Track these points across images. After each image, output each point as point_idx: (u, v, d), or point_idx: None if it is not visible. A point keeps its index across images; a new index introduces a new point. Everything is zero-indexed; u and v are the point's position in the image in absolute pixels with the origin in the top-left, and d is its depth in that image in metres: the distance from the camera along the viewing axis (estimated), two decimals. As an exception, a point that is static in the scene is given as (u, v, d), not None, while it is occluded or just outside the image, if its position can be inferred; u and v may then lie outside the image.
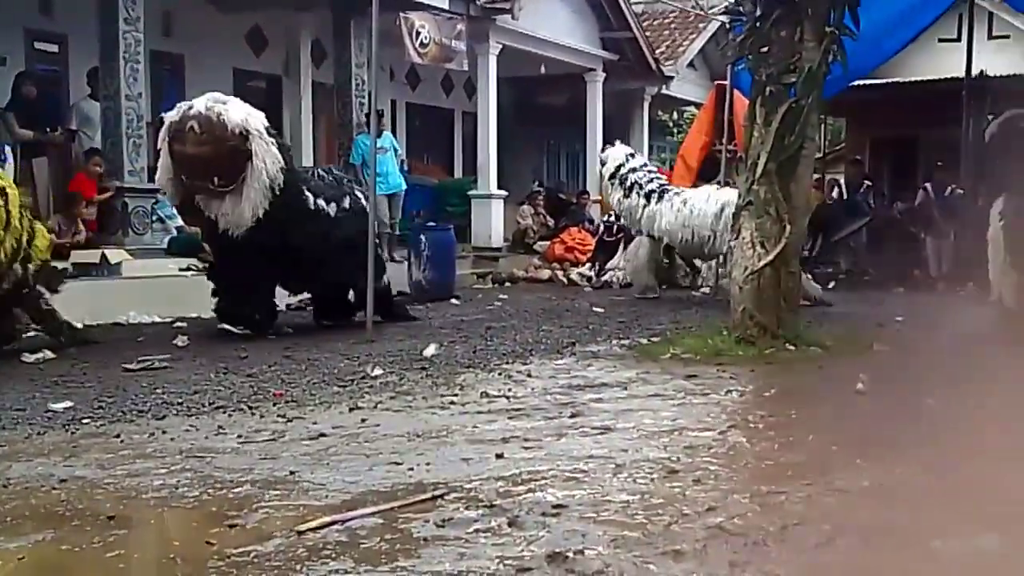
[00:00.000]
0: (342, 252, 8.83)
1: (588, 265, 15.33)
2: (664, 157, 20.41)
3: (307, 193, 8.78)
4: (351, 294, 9.48)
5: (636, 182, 12.18)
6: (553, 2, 17.06)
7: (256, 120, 8.35)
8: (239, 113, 8.23)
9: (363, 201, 9.29)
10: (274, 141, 8.44)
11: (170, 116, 8.30)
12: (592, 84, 18.73)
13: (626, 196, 12.21)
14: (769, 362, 7.50)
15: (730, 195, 10.54)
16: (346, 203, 9.16)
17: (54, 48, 12.56)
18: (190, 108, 8.21)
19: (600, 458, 4.63)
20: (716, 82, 16.21)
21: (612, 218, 15.24)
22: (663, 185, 12.37)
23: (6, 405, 5.75)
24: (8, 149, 10.64)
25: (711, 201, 11.61)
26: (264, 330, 8.70)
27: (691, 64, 21.25)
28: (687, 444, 4.91)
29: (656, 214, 11.95)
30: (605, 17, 18.27)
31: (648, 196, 12.07)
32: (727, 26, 16.64)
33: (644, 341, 8.64)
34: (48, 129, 11.39)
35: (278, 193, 8.33)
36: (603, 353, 8.04)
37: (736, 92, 12.25)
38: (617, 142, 13.11)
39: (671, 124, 19.96)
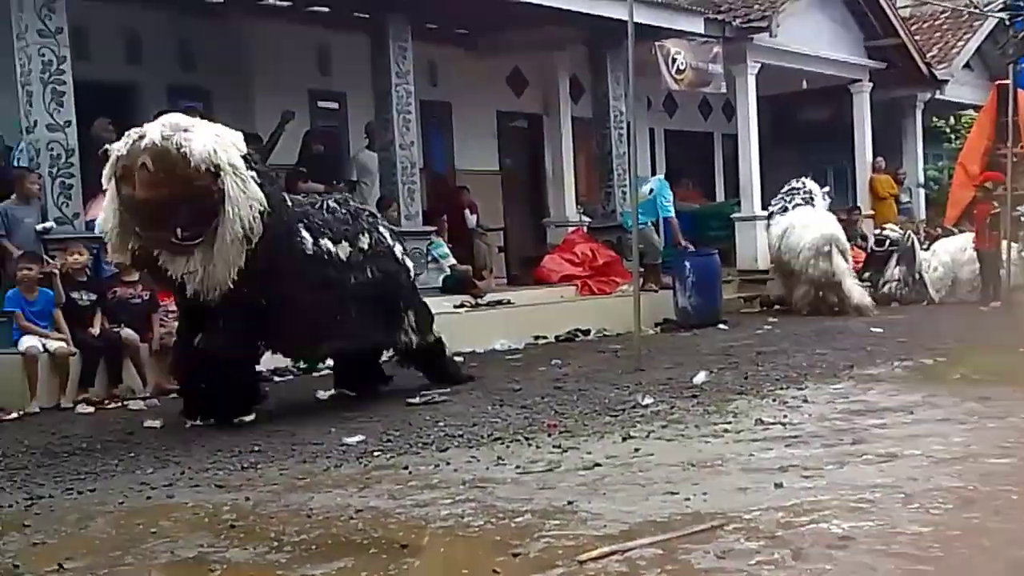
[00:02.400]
0: (358, 305, 7.24)
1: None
2: (941, 165, 19.23)
3: (304, 233, 6.98)
4: (381, 354, 7.95)
5: None
6: (813, 15, 16.56)
7: (226, 150, 6.45)
8: (205, 142, 6.35)
9: (388, 240, 7.66)
10: (252, 175, 6.55)
11: (117, 148, 6.43)
12: (858, 95, 17.97)
13: None
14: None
15: None
16: (363, 242, 7.39)
17: (335, 105, 13.51)
18: (141, 138, 6.32)
19: (886, 487, 4.41)
20: (996, 82, 15.16)
21: (886, 231, 14.60)
22: None
23: (305, 440, 6.20)
24: None
25: None
26: (241, 415, 6.81)
27: (967, 65, 19.94)
28: (983, 471, 4.60)
29: None
30: (869, 25, 17.51)
31: None
32: (1006, 23, 15.54)
33: (928, 361, 8.18)
34: (334, 182, 12.25)
35: (261, 239, 6.51)
36: (884, 376, 7.67)
37: (1020, 91, 11.40)
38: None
39: (948, 130, 18.80)
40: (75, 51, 8.80)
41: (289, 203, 7.05)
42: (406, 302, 7.79)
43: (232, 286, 6.49)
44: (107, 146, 6.65)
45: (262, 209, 6.50)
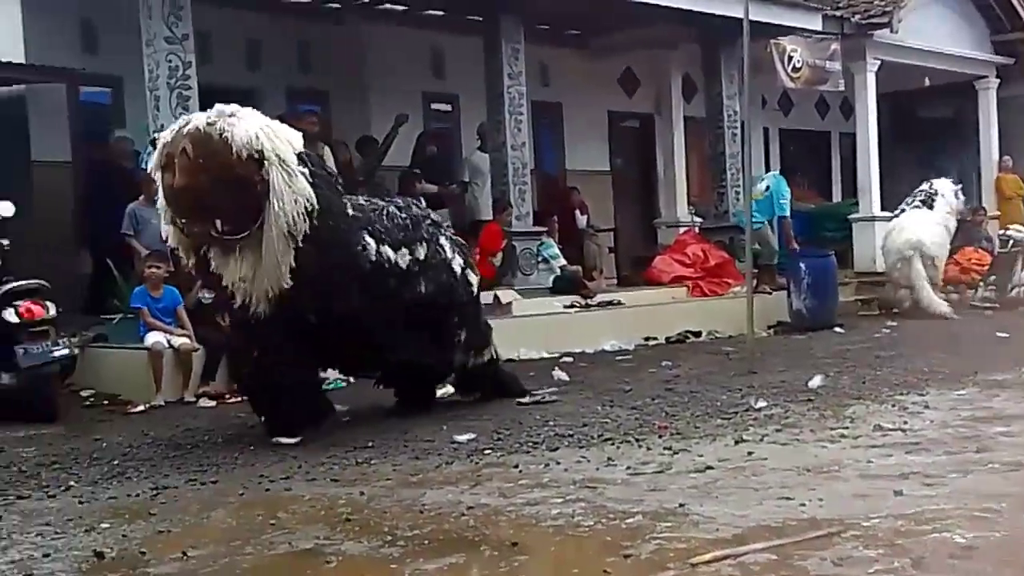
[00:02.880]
0: (414, 319, 6.75)
1: (982, 286, 14.20)
2: (1074, 164, 18.43)
3: (367, 239, 6.44)
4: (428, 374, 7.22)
5: None
6: (935, 10, 16.03)
7: (273, 140, 5.97)
8: (249, 128, 5.91)
9: (447, 251, 7.04)
10: (304, 171, 6.04)
11: (163, 136, 6.23)
12: (984, 92, 17.34)
13: None
14: None
15: None
16: (421, 252, 6.80)
17: (447, 107, 13.67)
18: (186, 124, 6.07)
19: (1013, 497, 4.26)
20: None
21: (1011, 231, 14.07)
22: None
23: (417, 437, 6.28)
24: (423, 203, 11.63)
25: None
26: (281, 435, 6.32)
27: (1101, 60, 19.04)
28: (1120, 484, 4.39)
29: None
30: (995, 19, 16.87)
31: None
32: None
33: (1059, 368, 7.84)
34: (447, 183, 12.40)
35: (314, 242, 6.01)
36: (1010, 382, 7.38)
37: None
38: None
39: (1079, 128, 18.05)
40: (199, 56, 9.09)
41: (351, 209, 6.49)
42: (461, 319, 7.12)
43: (281, 294, 5.99)
44: (155, 135, 6.57)
45: (310, 207, 5.95)
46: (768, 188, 13.04)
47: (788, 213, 13.22)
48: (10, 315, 7.45)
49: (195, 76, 8.88)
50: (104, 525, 4.53)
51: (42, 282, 7.74)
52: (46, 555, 4.11)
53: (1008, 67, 17.25)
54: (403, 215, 6.85)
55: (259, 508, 4.72)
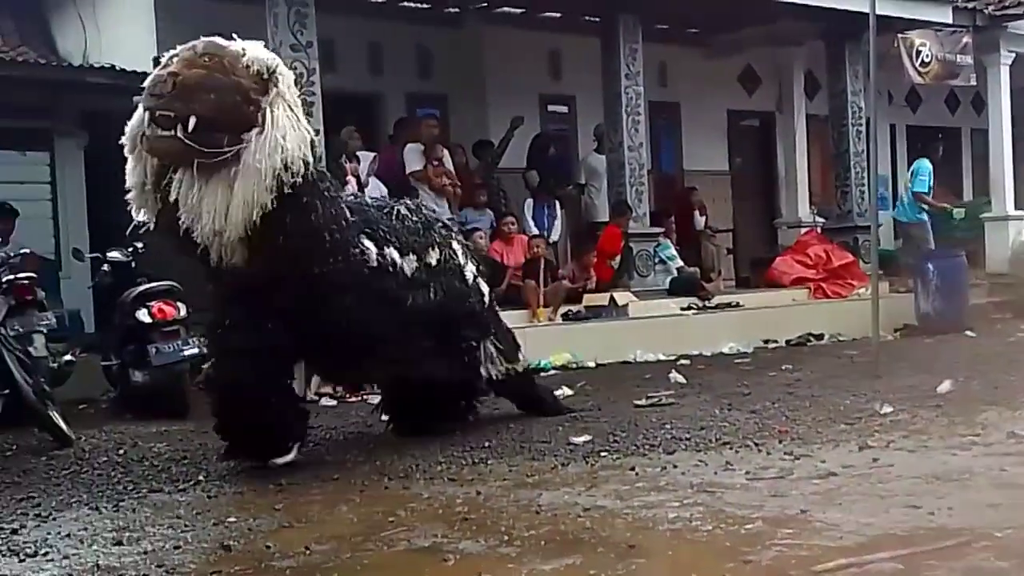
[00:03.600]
0: (418, 330, 6.10)
1: None
2: None
3: (366, 243, 5.81)
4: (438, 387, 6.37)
5: None
6: (1075, -2, 15.32)
7: (289, 78, 5.40)
8: (264, 52, 5.37)
9: (460, 258, 6.48)
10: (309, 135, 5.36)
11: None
12: None
13: None
14: None
15: None
16: (431, 257, 6.23)
17: (564, 109, 13.68)
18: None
19: None
20: None
21: None
22: None
23: (533, 438, 6.30)
24: (559, 206, 11.68)
25: None
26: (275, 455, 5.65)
27: None
28: None
29: None
30: None
31: None
32: None
33: None
34: (566, 185, 12.42)
35: (303, 200, 5.24)
36: None
37: None
38: None
39: None
40: (323, 63, 9.31)
41: (349, 210, 5.79)
42: (480, 330, 6.61)
43: (253, 246, 5.14)
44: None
45: (305, 161, 5.18)
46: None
47: (924, 189, 12.80)
48: (143, 315, 7.78)
49: (319, 83, 9.11)
50: (231, 519, 4.67)
51: (173, 284, 8.04)
52: (176, 547, 4.26)
53: None
54: (414, 218, 6.30)
55: (379, 505, 4.80)
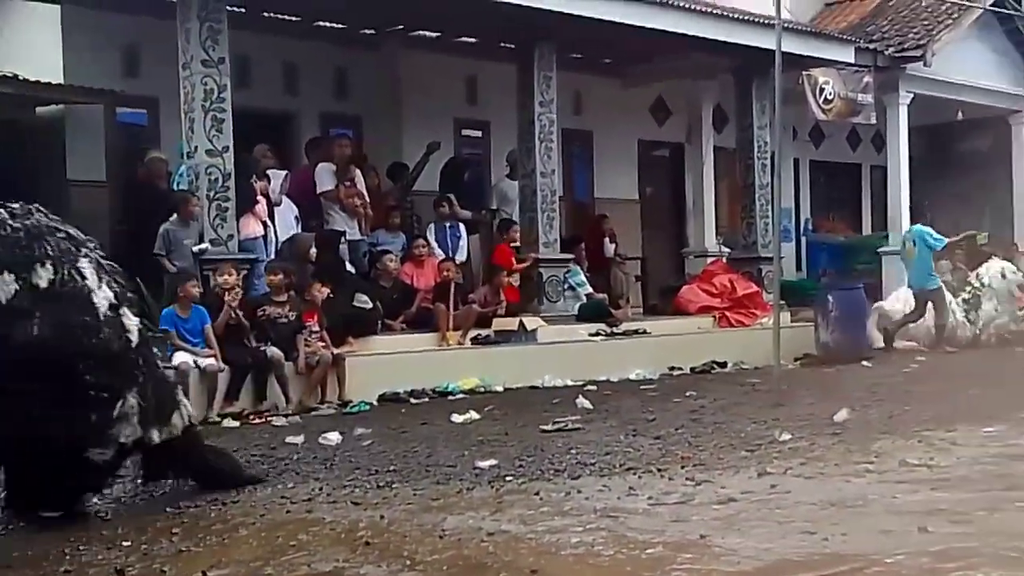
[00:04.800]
0: (24, 377, 4.61)
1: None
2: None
3: None
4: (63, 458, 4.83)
5: None
6: (970, 43, 15.99)
7: None
8: None
9: (90, 279, 4.94)
10: None
11: None
12: (1018, 127, 17.27)
13: None
14: None
15: None
16: (40, 277, 4.75)
17: (478, 134, 13.74)
18: None
19: (1043, 537, 4.18)
20: None
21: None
22: None
23: (440, 462, 6.28)
24: (463, 228, 11.75)
25: None
26: None
27: None
28: None
29: None
30: (1031, 53, 16.82)
31: None
32: None
33: (1091, 407, 7.71)
34: (479, 210, 12.46)
35: None
36: (1043, 420, 7.27)
37: None
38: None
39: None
40: (236, 80, 9.21)
41: None
42: (116, 378, 4.95)
43: None
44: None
45: None
46: (915, 243, 12.97)
47: (943, 243, 13.00)
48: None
49: (230, 99, 9.00)
50: (126, 543, 4.55)
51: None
52: (67, 571, 4.13)
53: (1042, 101, 17.16)
54: (15, 224, 4.82)
55: (280, 530, 4.72)
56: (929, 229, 13.20)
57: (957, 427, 7.05)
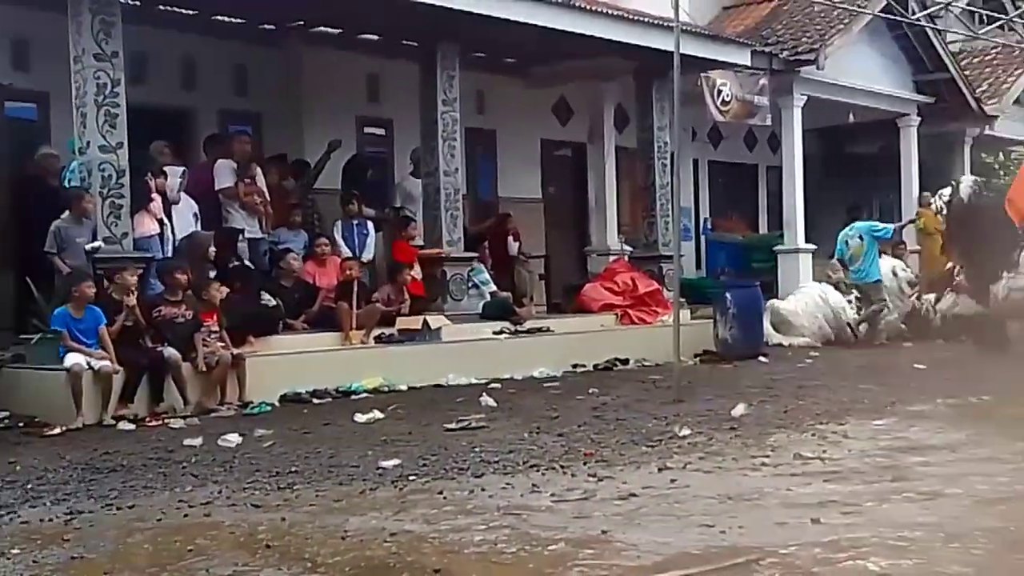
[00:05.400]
0: None
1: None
2: (990, 202, 19.02)
3: None
4: None
5: None
6: (861, 48, 16.48)
7: None
8: None
9: None
10: None
11: None
12: (906, 130, 17.86)
13: None
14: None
15: None
16: None
17: (381, 132, 13.65)
18: None
19: (928, 526, 4.35)
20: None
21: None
22: None
23: (342, 462, 6.23)
24: (371, 226, 11.66)
25: None
26: None
27: (1017, 101, 19.76)
28: (1028, 513, 4.52)
29: None
30: (918, 59, 17.41)
31: None
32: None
33: (973, 400, 8.05)
34: (382, 208, 12.38)
35: None
36: (928, 413, 7.56)
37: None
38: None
39: (997, 166, 18.61)
40: (132, 76, 8.97)
41: None
42: None
43: None
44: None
45: None
46: (861, 237, 13.48)
47: (889, 232, 13.87)
48: None
49: (124, 94, 8.78)
50: (15, 551, 4.41)
51: None
52: (-47, 582, 3.99)
53: (929, 105, 17.80)
54: None
55: (178, 534, 4.63)
56: (871, 222, 13.69)
57: (848, 421, 7.28)
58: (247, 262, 10.35)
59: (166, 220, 9.55)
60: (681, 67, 9.27)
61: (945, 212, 13.16)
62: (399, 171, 13.19)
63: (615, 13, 12.31)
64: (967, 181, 12.94)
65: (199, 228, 10.01)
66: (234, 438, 7.05)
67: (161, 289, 8.92)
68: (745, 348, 12.01)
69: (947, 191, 13.39)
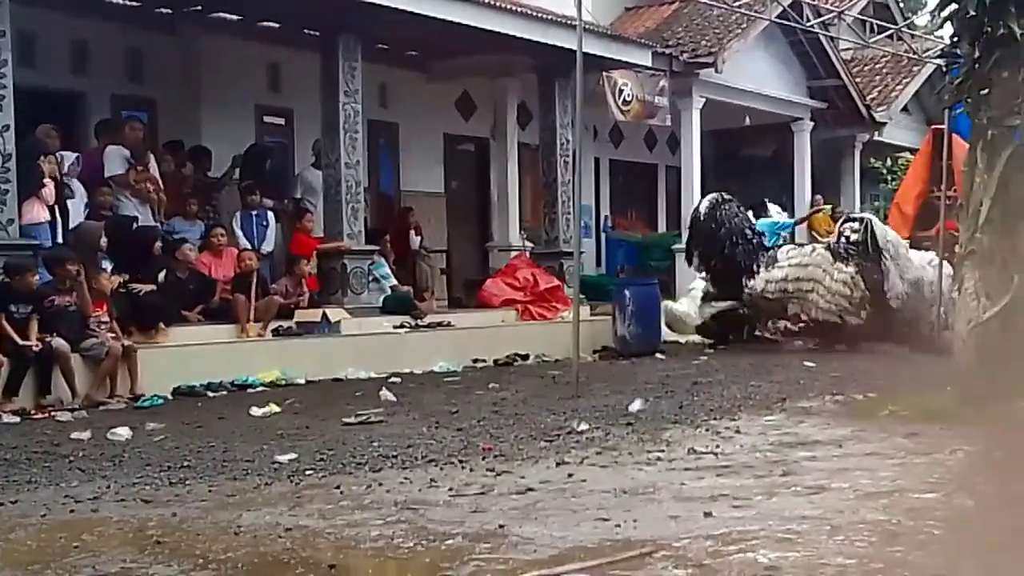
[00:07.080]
0: None
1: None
2: (878, 205, 19.67)
3: None
4: None
5: None
6: (757, 53, 16.89)
7: None
8: None
9: None
10: None
11: None
12: (799, 134, 18.36)
13: None
14: (998, 421, 7.06)
15: None
16: None
17: (281, 121, 13.44)
18: None
19: (814, 519, 4.48)
20: (932, 127, 15.56)
21: None
22: None
23: (237, 457, 6.12)
24: (271, 217, 11.48)
25: None
26: None
27: (905, 109, 20.50)
28: (908, 506, 4.68)
29: None
30: (812, 65, 17.92)
31: None
32: (943, 69, 15.94)
33: (859, 397, 8.31)
34: (282, 199, 12.21)
35: None
36: (815, 409, 7.78)
37: (954, 136, 11.72)
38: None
39: (884, 171, 19.27)
40: (20, 58, 8.66)
41: None
42: None
43: None
44: None
45: None
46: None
47: (790, 224, 14.56)
48: None
49: (11, 75, 8.47)
50: None
51: None
52: None
53: (822, 111, 18.33)
54: None
55: (63, 530, 4.49)
56: (770, 219, 13.99)
57: (740, 416, 7.45)
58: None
59: (57, 207, 9.23)
60: (583, 66, 9.35)
61: (689, 225, 13.60)
62: (300, 162, 13.02)
63: (518, 10, 12.37)
64: (709, 198, 13.31)
65: (87, 216, 9.72)
66: (124, 432, 6.87)
67: (49, 278, 8.63)
68: (643, 345, 12.19)
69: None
